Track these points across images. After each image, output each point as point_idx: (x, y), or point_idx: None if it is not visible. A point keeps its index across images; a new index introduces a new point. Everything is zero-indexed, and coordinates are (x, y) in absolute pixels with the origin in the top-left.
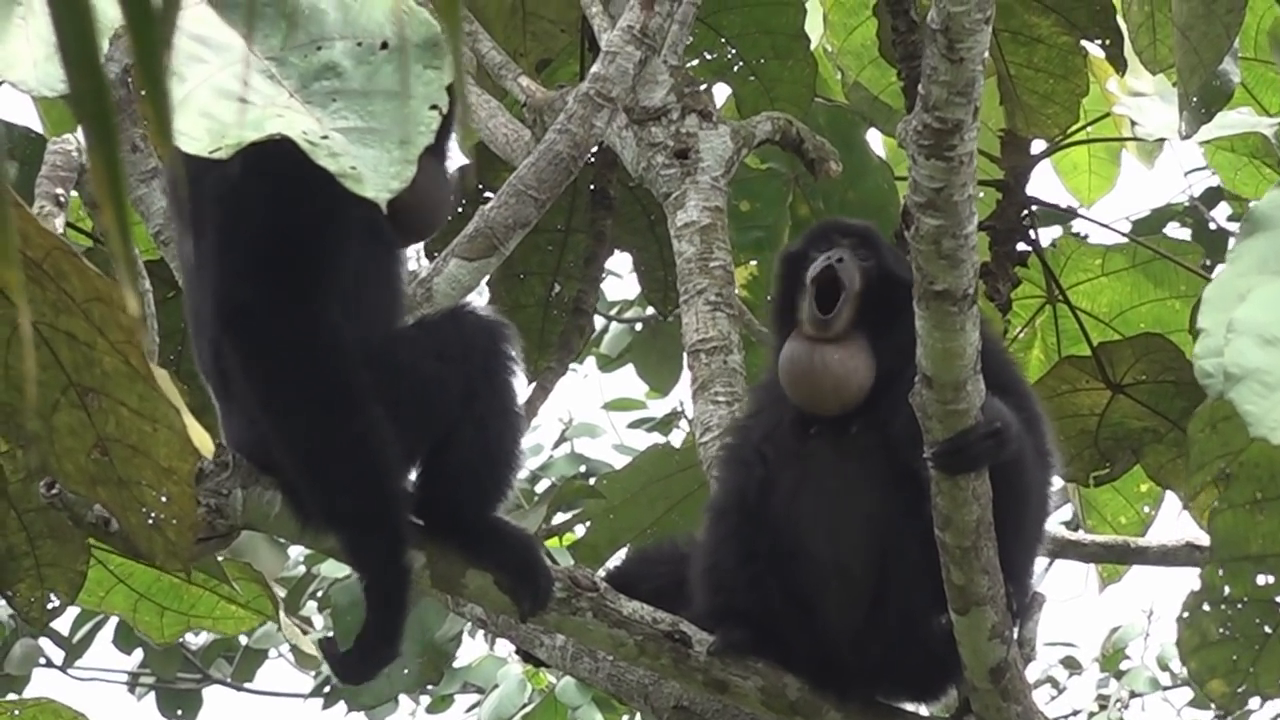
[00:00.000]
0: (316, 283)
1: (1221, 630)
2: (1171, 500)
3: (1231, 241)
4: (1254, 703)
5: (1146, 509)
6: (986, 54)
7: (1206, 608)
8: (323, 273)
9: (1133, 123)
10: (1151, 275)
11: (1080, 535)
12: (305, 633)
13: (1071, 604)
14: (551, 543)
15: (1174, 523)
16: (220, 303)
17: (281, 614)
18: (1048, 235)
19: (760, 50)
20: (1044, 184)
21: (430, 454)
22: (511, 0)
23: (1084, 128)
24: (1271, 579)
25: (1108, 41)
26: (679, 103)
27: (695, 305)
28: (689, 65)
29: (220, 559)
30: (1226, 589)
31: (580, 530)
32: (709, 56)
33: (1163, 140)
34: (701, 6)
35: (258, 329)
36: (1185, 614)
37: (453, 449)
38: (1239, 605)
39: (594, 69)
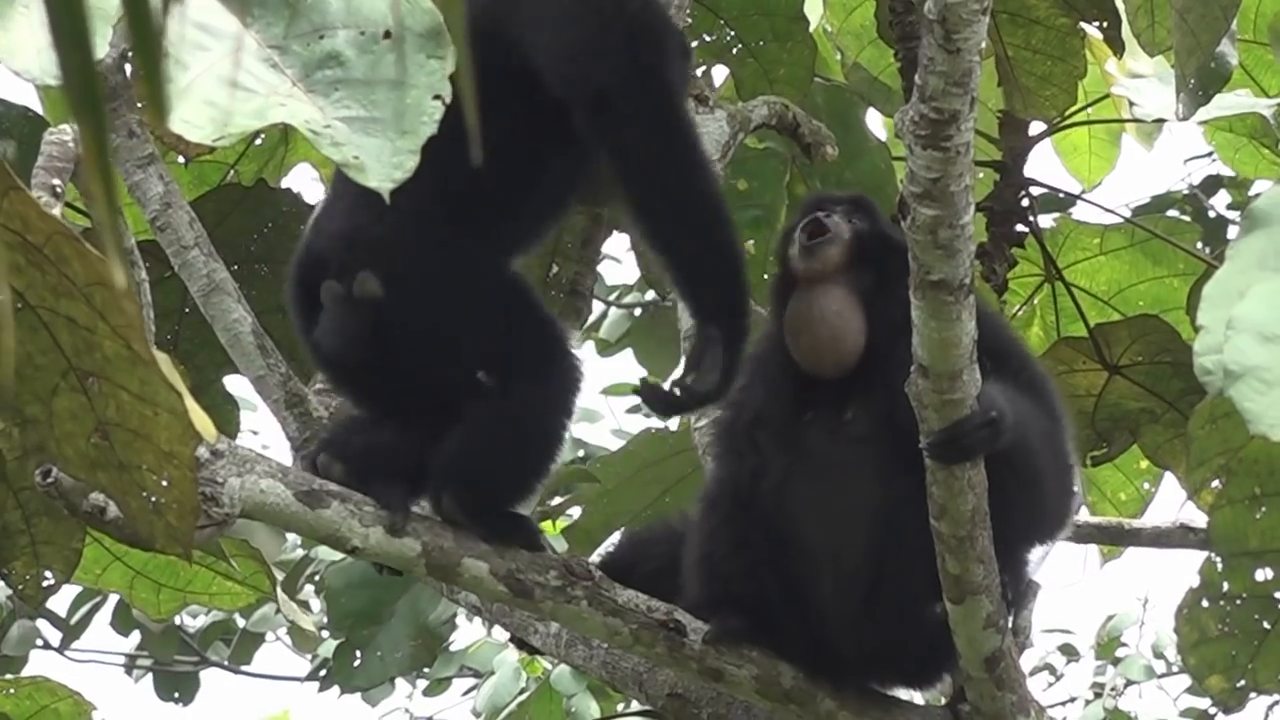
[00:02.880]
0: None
1: (1220, 626)
2: (1172, 478)
3: (1232, 231)
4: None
5: (1146, 485)
6: (985, 41)
7: (1205, 604)
8: None
9: (1131, 104)
10: (1150, 254)
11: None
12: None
13: (1069, 591)
14: (545, 527)
15: (1173, 503)
16: (582, 84)
17: (279, 591)
18: (1047, 218)
19: (759, 32)
20: (1044, 166)
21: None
22: None
23: (1084, 109)
24: (1270, 574)
25: (1105, 23)
26: None
27: None
28: None
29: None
30: (1225, 585)
31: (575, 514)
32: (708, 38)
33: (1162, 121)
34: None
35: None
36: (1184, 610)
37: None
38: (1238, 601)
39: None
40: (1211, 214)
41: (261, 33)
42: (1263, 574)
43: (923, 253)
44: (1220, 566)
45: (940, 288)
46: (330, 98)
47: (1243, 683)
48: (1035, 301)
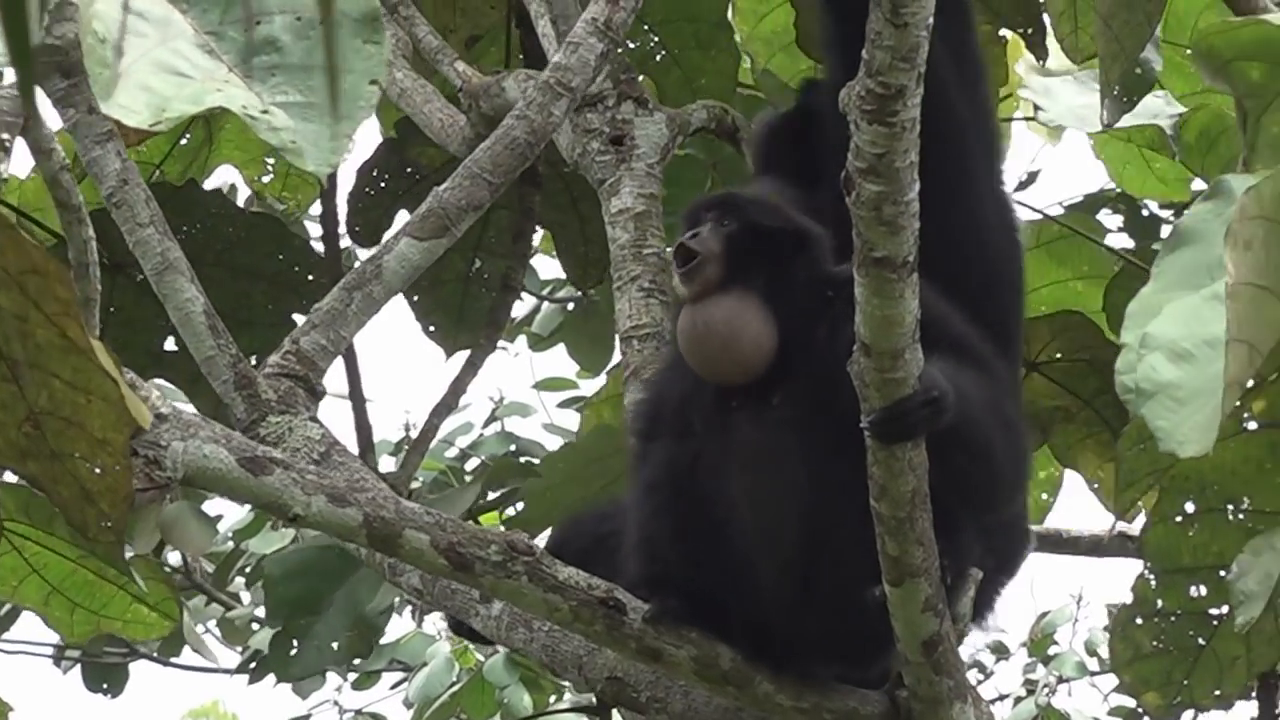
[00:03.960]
0: None
1: (1155, 643)
2: (1070, 485)
3: (1165, 230)
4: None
5: (1045, 496)
6: (931, 20)
7: (1139, 620)
8: None
9: (1036, 108)
10: (1055, 255)
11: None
12: (231, 608)
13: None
14: (488, 519)
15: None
16: None
17: (186, 620)
18: None
19: (683, 39)
20: None
21: None
22: None
23: None
24: (1204, 590)
25: (1030, 29)
26: (615, 89)
27: (629, 292)
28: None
29: (130, 555)
30: (1159, 602)
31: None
32: (632, 45)
33: (1061, 129)
34: None
35: None
36: (1118, 627)
37: None
38: (1172, 618)
39: (555, 58)
40: (1145, 213)
41: (197, 19)
42: (1196, 590)
43: (867, 229)
44: (1154, 583)
45: (884, 265)
46: (267, 83)
47: (1178, 699)
48: None
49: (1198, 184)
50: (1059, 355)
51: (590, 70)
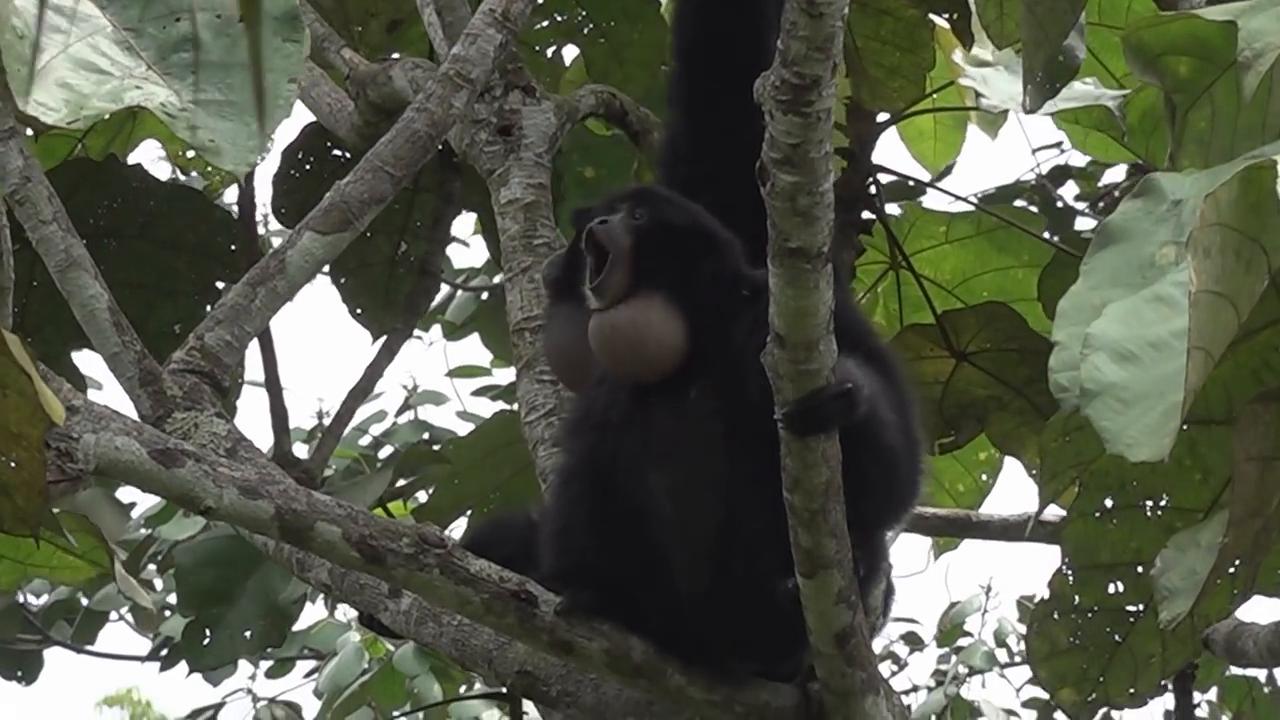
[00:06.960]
0: None
1: (1072, 639)
2: (1009, 470)
3: (1079, 222)
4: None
5: (985, 477)
6: (846, 10)
7: (1057, 616)
8: None
9: (977, 94)
10: (995, 243)
11: (920, 509)
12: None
13: (913, 580)
14: (395, 507)
15: (1017, 494)
16: None
17: (118, 566)
18: (894, 205)
19: (610, 12)
20: (892, 152)
21: None
22: None
23: (929, 95)
24: (1121, 587)
25: (954, 15)
26: (502, 79)
27: (519, 283)
28: (539, 26)
29: (56, 510)
30: (1077, 598)
31: (423, 496)
32: (559, 18)
33: (1006, 111)
34: None
35: None
36: (1035, 624)
37: None
38: (1089, 614)
39: (454, 50)
40: (1059, 204)
41: (117, 15)
42: (1114, 587)
43: (781, 220)
44: (1071, 579)
45: (798, 255)
46: (186, 81)
47: (1094, 696)
48: (879, 290)
49: None
50: (988, 345)
51: (489, 61)
